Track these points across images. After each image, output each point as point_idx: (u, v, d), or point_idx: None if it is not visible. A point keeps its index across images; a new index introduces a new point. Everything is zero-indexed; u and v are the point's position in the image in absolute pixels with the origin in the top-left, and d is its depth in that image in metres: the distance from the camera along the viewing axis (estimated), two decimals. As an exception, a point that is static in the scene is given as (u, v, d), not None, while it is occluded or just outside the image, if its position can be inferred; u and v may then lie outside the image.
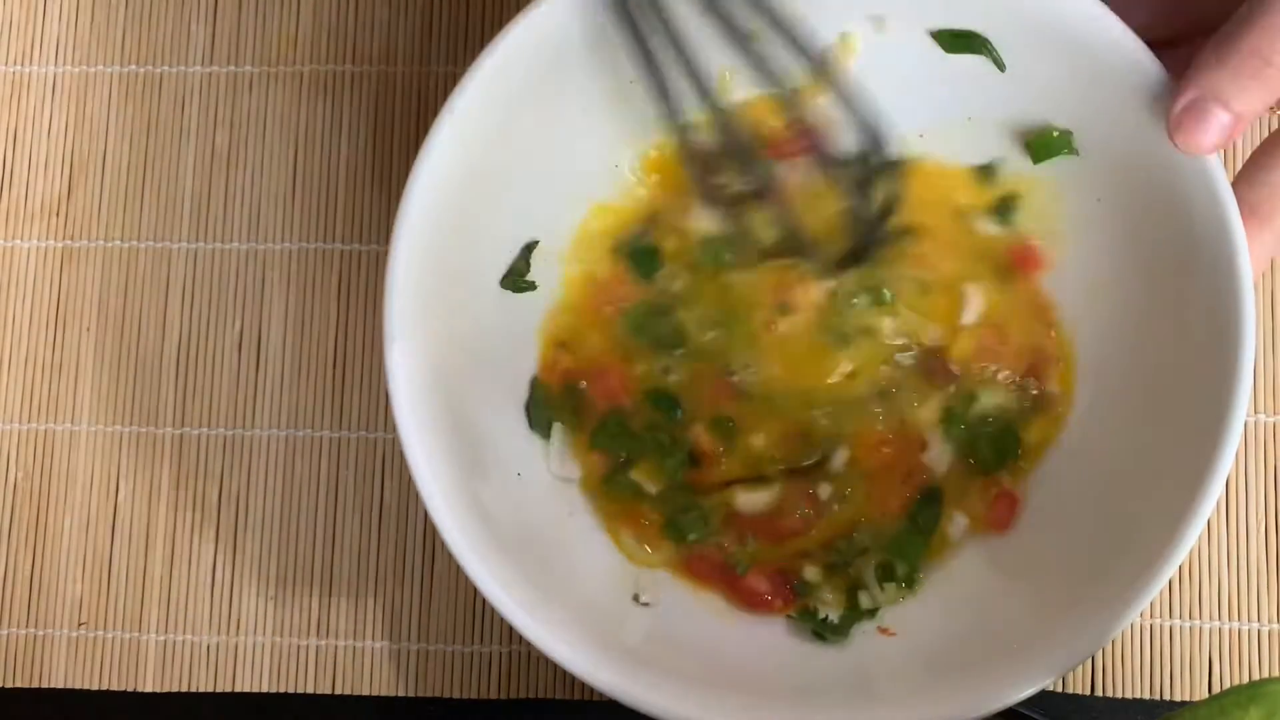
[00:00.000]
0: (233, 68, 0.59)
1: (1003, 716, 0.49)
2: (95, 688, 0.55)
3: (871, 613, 0.48)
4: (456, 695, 0.54)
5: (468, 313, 0.48)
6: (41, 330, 0.57)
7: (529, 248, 0.50)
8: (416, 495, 0.55)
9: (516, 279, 0.50)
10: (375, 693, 0.54)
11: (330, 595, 0.55)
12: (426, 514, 0.54)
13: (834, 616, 0.48)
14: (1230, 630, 0.52)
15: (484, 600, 0.54)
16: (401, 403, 0.44)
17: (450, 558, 0.54)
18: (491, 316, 0.49)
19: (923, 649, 0.46)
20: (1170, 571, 0.41)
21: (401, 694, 0.54)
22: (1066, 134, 0.47)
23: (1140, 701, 0.52)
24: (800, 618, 0.48)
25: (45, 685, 0.55)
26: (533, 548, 0.47)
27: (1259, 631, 0.52)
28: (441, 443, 0.45)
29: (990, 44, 0.46)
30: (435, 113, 0.58)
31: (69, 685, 0.55)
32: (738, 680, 0.46)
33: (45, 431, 0.57)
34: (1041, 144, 0.48)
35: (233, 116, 0.59)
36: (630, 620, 0.47)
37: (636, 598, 0.48)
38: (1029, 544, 0.48)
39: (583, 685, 0.53)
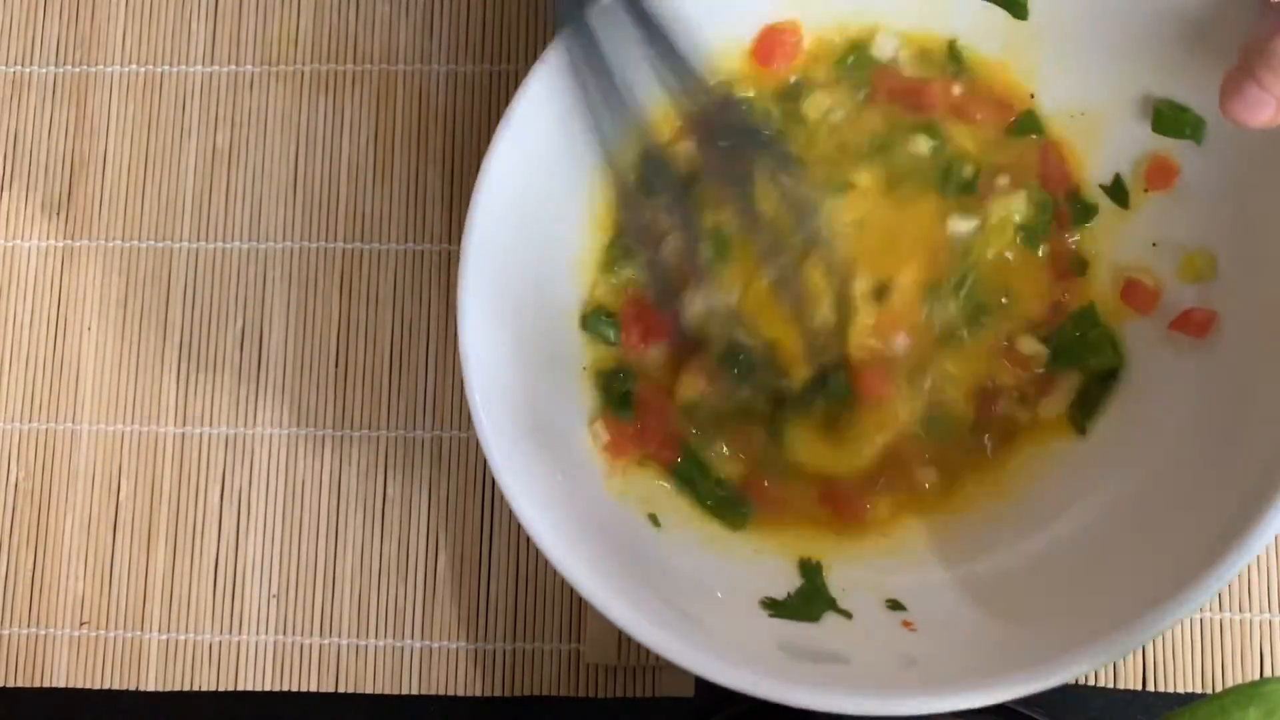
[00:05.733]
0: (233, 67, 0.59)
1: (999, 714, 0.50)
2: (98, 687, 0.55)
3: (901, 606, 0.48)
4: (459, 693, 0.54)
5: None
6: (43, 330, 0.57)
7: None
8: (419, 493, 0.55)
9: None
10: (378, 691, 0.54)
11: (333, 593, 0.55)
12: (432, 513, 0.55)
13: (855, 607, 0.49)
14: (1281, 623, 0.52)
15: (487, 598, 0.54)
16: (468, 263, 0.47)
17: (454, 558, 0.54)
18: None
19: (948, 640, 0.47)
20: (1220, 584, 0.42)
21: (404, 692, 0.54)
22: (1199, 120, 0.49)
23: (1139, 698, 0.52)
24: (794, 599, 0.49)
25: (48, 685, 0.55)
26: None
27: (1307, 624, 0.52)
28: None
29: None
30: (436, 111, 0.58)
31: (71, 684, 0.55)
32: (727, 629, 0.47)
33: (47, 431, 0.57)
34: (1171, 118, 0.49)
35: (234, 116, 0.59)
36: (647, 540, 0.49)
37: (653, 517, 0.50)
38: (1065, 549, 0.48)
39: (584, 682, 0.53)
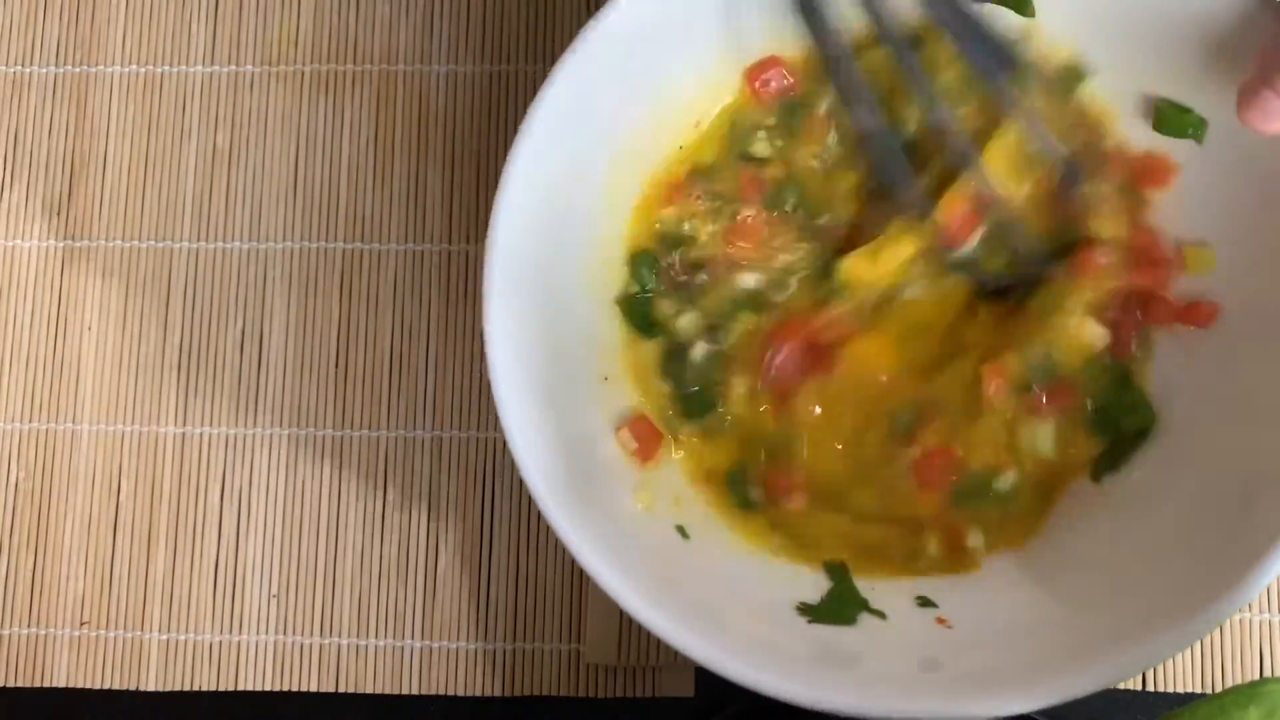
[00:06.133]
0: (234, 67, 0.59)
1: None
2: (98, 687, 0.55)
3: (932, 602, 0.48)
4: (459, 693, 0.54)
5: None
6: (43, 330, 0.58)
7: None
8: (419, 493, 0.55)
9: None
10: (378, 691, 0.54)
11: (333, 593, 0.55)
12: (432, 513, 0.55)
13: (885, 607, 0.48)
14: (1280, 623, 0.52)
15: (487, 598, 0.54)
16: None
17: (454, 558, 0.54)
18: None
19: (974, 644, 0.46)
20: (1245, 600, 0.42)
21: (404, 692, 0.54)
22: (1200, 120, 0.48)
23: (1139, 698, 0.52)
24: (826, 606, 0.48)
25: (48, 685, 0.55)
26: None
27: (1306, 623, 0.52)
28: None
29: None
30: (436, 111, 0.58)
31: (71, 684, 0.55)
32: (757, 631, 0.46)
33: (47, 431, 0.57)
34: (1173, 118, 0.49)
35: (234, 116, 0.59)
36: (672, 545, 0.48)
37: (681, 529, 0.49)
38: (1106, 552, 0.48)
39: (584, 682, 0.53)
